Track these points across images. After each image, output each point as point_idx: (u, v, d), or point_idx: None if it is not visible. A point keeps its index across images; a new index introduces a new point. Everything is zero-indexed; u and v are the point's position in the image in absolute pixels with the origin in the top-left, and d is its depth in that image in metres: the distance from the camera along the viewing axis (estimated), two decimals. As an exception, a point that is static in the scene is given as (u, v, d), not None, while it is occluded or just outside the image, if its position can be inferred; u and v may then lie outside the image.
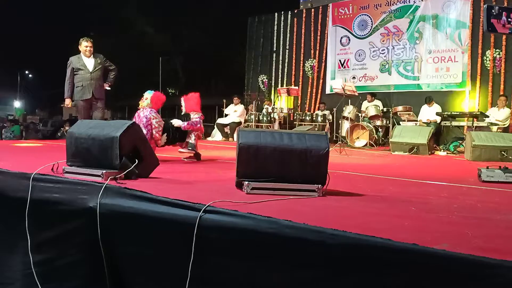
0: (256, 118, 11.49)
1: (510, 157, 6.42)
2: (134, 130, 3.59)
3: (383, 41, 12.01)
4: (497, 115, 9.14)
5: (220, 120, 12.09)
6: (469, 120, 8.48)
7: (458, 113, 8.98)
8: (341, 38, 12.75)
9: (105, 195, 2.72)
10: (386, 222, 2.31)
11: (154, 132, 4.97)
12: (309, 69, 13.23)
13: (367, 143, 9.55)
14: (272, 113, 11.68)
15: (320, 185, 2.96)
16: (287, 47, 13.74)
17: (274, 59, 14.03)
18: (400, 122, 9.82)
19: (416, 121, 9.85)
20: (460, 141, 8.23)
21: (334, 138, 10.27)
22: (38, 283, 2.86)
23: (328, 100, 12.16)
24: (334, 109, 9.69)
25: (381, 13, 12.03)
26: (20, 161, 4.63)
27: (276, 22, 14.00)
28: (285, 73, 13.76)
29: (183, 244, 2.28)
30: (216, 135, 11.95)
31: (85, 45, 6.64)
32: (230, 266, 2.22)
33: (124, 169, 3.32)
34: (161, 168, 3.90)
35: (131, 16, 30.04)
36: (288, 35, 13.74)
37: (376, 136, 9.93)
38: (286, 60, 13.75)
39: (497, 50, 10.27)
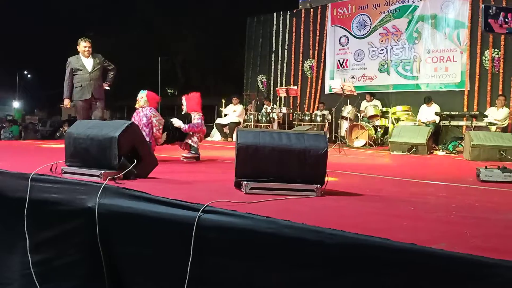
0: (255, 118, 11.49)
1: (509, 157, 6.43)
2: (133, 130, 3.59)
3: (382, 41, 12.02)
4: (496, 114, 9.15)
5: (219, 120, 12.09)
6: (468, 120, 8.48)
7: (457, 113, 8.99)
8: (340, 38, 12.75)
9: (103, 195, 2.72)
10: (384, 222, 2.32)
11: (154, 130, 4.96)
12: (308, 69, 13.23)
13: (366, 143, 9.55)
14: (271, 113, 11.68)
15: (318, 185, 2.96)
16: (286, 47, 13.74)
17: (273, 59, 14.02)
18: (399, 122, 9.83)
19: (415, 121, 9.86)
20: (459, 141, 8.24)
21: (333, 138, 10.28)
22: (36, 283, 2.86)
23: (327, 100, 12.16)
24: (333, 109, 9.70)
25: (380, 13, 12.03)
26: (18, 161, 4.62)
27: (275, 22, 14.00)
28: (284, 73, 13.76)
29: (182, 244, 2.28)
30: (215, 135, 11.95)
31: (83, 45, 6.63)
32: (229, 266, 2.22)
33: (122, 169, 3.31)
34: (160, 168, 3.90)
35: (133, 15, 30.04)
36: (287, 35, 13.74)
37: (375, 136, 9.94)
38: (285, 60, 13.75)
39: (495, 50, 10.27)
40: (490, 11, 2.34)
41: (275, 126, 11.55)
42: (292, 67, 13.55)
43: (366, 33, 12.29)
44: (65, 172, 3.37)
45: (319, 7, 13.08)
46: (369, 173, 4.67)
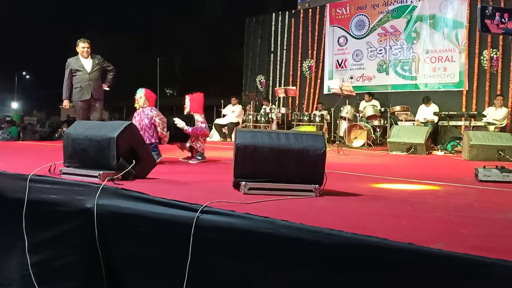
0: (254, 119, 11.49)
1: (507, 157, 6.44)
2: (131, 131, 3.59)
3: (381, 41, 12.02)
4: (495, 114, 9.16)
5: (218, 121, 12.09)
6: (466, 120, 8.49)
7: (455, 113, 9.00)
8: (339, 38, 12.76)
9: (102, 196, 2.72)
10: (382, 222, 2.32)
11: (159, 130, 4.91)
12: (307, 69, 13.24)
13: (365, 143, 9.55)
14: (270, 114, 11.68)
15: (317, 185, 2.96)
16: (285, 48, 13.74)
17: (271, 59, 14.02)
18: (398, 122, 9.83)
19: (414, 121, 9.86)
20: (458, 141, 8.25)
21: (332, 138, 10.29)
22: (35, 284, 2.86)
23: (326, 100, 12.16)
24: (332, 109, 9.70)
25: (379, 13, 12.04)
26: (17, 162, 4.62)
27: (273, 23, 13.99)
28: (283, 73, 13.76)
29: (180, 245, 2.28)
30: (214, 135, 11.95)
31: (82, 46, 6.65)
32: (227, 266, 2.22)
33: (121, 170, 3.32)
34: (158, 168, 3.91)
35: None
36: (285, 35, 13.74)
37: (373, 136, 9.94)
38: (284, 60, 13.75)
39: (494, 50, 10.29)
40: (487, 11, 2.34)
41: (274, 126, 11.55)
42: (291, 67, 13.55)
43: (364, 33, 12.29)
44: (64, 173, 3.37)
45: (318, 7, 13.08)
46: (368, 173, 4.68)
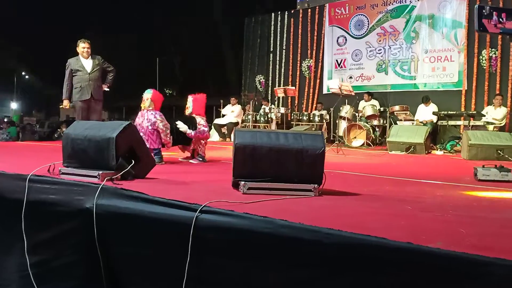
0: (254, 119, 11.50)
1: (506, 156, 6.44)
2: (131, 131, 3.59)
3: (380, 41, 12.03)
4: (494, 113, 9.17)
5: (217, 121, 12.09)
6: (465, 120, 8.49)
7: (454, 113, 9.01)
8: (338, 38, 12.77)
9: (101, 196, 2.72)
10: (381, 221, 2.32)
11: (162, 136, 4.87)
12: (306, 69, 13.24)
13: (364, 142, 9.56)
14: (269, 113, 11.69)
15: (316, 185, 2.96)
16: (284, 47, 13.75)
17: (271, 59, 14.03)
18: (397, 122, 9.84)
19: (413, 120, 9.87)
20: (457, 140, 8.26)
21: (332, 138, 10.30)
22: (34, 284, 2.86)
23: (325, 100, 12.16)
24: (331, 109, 9.70)
25: (378, 13, 12.05)
26: (16, 162, 4.62)
27: (273, 23, 14.00)
28: (282, 73, 13.77)
29: (180, 245, 2.28)
30: (213, 135, 11.95)
31: (82, 46, 6.69)
32: (226, 266, 2.22)
33: (120, 170, 3.32)
34: (158, 168, 3.91)
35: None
36: (285, 35, 13.75)
37: (373, 135, 9.95)
38: (283, 60, 13.76)
39: (493, 49, 10.30)
40: (484, 11, 2.34)
41: (273, 126, 11.56)
42: (290, 67, 13.55)
43: (363, 33, 12.30)
44: (63, 173, 3.37)
45: (317, 7, 13.09)
46: (367, 173, 4.68)
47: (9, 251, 3.07)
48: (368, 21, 12.21)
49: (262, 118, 11.56)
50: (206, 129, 5.27)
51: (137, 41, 30.65)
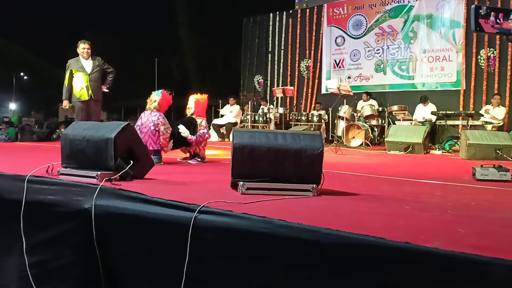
0: (252, 119, 11.50)
1: (505, 156, 6.45)
2: (129, 131, 3.59)
3: (378, 41, 12.05)
4: (495, 112, 9.16)
5: (216, 121, 12.09)
6: (464, 119, 8.51)
7: (453, 112, 9.02)
8: (336, 38, 12.78)
9: (100, 197, 2.72)
10: (379, 221, 2.32)
11: (161, 139, 4.88)
12: (305, 69, 13.25)
13: (362, 142, 9.57)
14: (268, 114, 11.69)
15: (314, 185, 2.97)
16: (283, 48, 13.76)
17: (269, 59, 14.04)
18: (396, 122, 9.85)
19: (411, 120, 9.88)
20: (455, 140, 8.27)
21: (330, 138, 10.30)
22: (33, 285, 2.85)
23: (324, 100, 12.18)
24: (330, 109, 9.72)
25: (376, 13, 12.06)
26: (15, 163, 4.62)
27: (271, 23, 14.01)
28: (281, 73, 13.78)
29: (178, 245, 2.28)
30: (212, 135, 11.95)
31: (82, 47, 6.75)
32: (225, 266, 2.22)
33: (119, 170, 3.31)
34: (156, 169, 3.91)
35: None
36: (283, 35, 13.76)
37: (371, 135, 9.96)
38: (282, 61, 13.77)
39: (491, 49, 10.32)
40: (481, 11, 2.33)
41: (272, 126, 11.56)
42: (289, 67, 13.57)
43: (362, 33, 12.32)
44: (61, 174, 3.36)
45: (315, 7, 13.11)
46: (365, 173, 4.69)
47: (8, 251, 3.06)
48: (366, 21, 12.22)
49: (260, 118, 11.57)
50: (206, 130, 5.29)
51: (136, 41, 30.62)
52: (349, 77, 12.40)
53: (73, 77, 6.69)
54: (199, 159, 5.27)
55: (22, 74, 38.54)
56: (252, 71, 14.38)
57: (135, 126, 4.88)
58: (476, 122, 8.43)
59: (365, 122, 10.18)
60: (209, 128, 11.94)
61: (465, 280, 1.71)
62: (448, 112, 9.01)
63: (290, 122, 11.48)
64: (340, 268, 1.95)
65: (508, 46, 9.82)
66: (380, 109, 10.64)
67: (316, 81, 12.98)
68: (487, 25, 2.36)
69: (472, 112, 8.97)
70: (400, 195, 3.24)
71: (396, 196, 3.19)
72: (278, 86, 13.30)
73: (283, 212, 2.31)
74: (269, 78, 14.02)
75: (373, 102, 11.19)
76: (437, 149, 8.23)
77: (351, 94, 9.13)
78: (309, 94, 13.09)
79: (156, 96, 5.03)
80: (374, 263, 1.87)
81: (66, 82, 6.74)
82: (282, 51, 13.75)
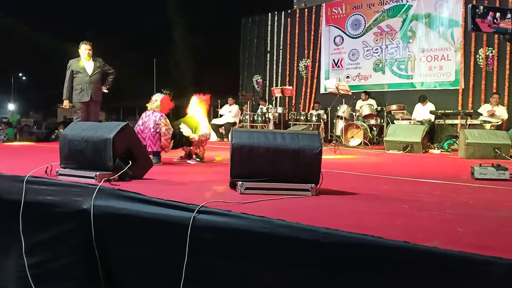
0: (251, 118, 11.50)
1: (503, 154, 6.46)
2: (128, 131, 3.59)
3: (377, 40, 12.05)
4: (500, 112, 9.14)
5: (214, 121, 12.07)
6: (462, 118, 8.51)
7: (451, 112, 9.03)
8: (335, 37, 12.78)
9: (98, 197, 2.72)
10: (378, 221, 2.33)
11: (163, 140, 4.88)
12: (303, 69, 13.25)
13: (361, 142, 9.58)
14: (267, 113, 11.69)
15: (313, 185, 2.97)
16: (281, 47, 13.76)
17: (268, 59, 14.04)
18: (394, 121, 9.86)
19: (410, 119, 9.89)
20: (454, 139, 8.27)
21: (329, 138, 10.30)
22: (32, 285, 2.85)
23: (323, 100, 12.18)
24: (329, 108, 9.70)
25: (374, 12, 12.07)
26: (13, 163, 4.61)
27: (270, 22, 14.01)
28: (279, 73, 13.78)
29: (177, 245, 2.28)
30: (211, 135, 11.93)
31: (84, 48, 6.79)
32: (224, 266, 2.22)
33: (117, 171, 3.32)
34: (155, 169, 3.91)
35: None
36: (282, 35, 13.76)
37: (370, 135, 9.96)
38: (280, 60, 13.77)
39: (489, 48, 10.33)
40: (477, 10, 2.33)
41: (271, 126, 11.56)
42: (287, 67, 13.57)
43: (360, 33, 12.32)
44: (60, 174, 3.37)
45: (314, 7, 13.11)
46: (364, 172, 4.69)
47: (7, 252, 3.06)
48: (365, 21, 12.23)
49: (259, 118, 11.57)
50: (208, 131, 5.30)
51: (135, 41, 30.65)
52: (347, 77, 12.41)
53: (73, 77, 6.72)
54: (198, 159, 5.27)
55: (20, 74, 38.52)
56: (251, 71, 14.38)
57: (135, 126, 4.89)
58: (474, 121, 8.43)
59: (364, 122, 10.18)
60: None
61: (464, 279, 1.71)
62: (446, 111, 9.02)
63: (289, 122, 11.48)
64: (339, 267, 1.95)
65: (507, 45, 9.82)
66: (379, 108, 10.63)
67: (315, 80, 12.98)
68: (484, 24, 2.36)
69: (471, 111, 8.98)
70: (399, 195, 3.24)
71: (395, 196, 3.20)
72: (276, 86, 13.29)
73: (282, 212, 2.31)
74: (267, 78, 14.02)
75: (371, 101, 11.19)
76: (436, 148, 8.24)
77: (350, 93, 9.12)
78: (308, 94, 13.09)
79: (157, 97, 5.08)
80: (373, 262, 1.87)
81: (66, 82, 6.75)
82: (281, 50, 13.76)
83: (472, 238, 1.96)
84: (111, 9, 29.48)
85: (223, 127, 11.66)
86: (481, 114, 8.80)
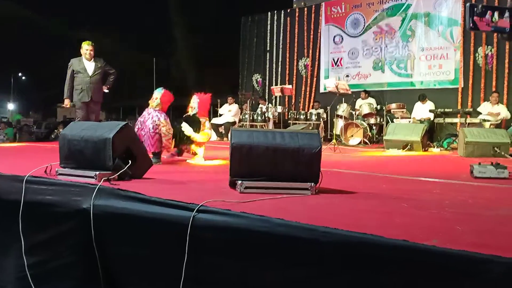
0: (251, 118, 11.50)
1: (503, 153, 6.45)
2: (127, 131, 3.59)
3: (376, 39, 12.05)
4: (498, 110, 9.14)
5: (214, 120, 12.07)
6: (462, 117, 8.51)
7: (451, 110, 9.03)
8: (334, 36, 12.78)
9: (98, 197, 2.72)
10: (377, 219, 2.33)
11: (164, 140, 4.87)
12: (303, 68, 13.25)
13: (361, 141, 9.58)
14: (267, 112, 11.69)
15: (312, 184, 2.97)
16: (281, 46, 13.76)
17: (267, 58, 14.04)
18: (394, 120, 9.86)
19: (410, 118, 9.89)
20: (453, 138, 8.27)
21: (329, 137, 10.29)
22: (32, 285, 2.85)
23: (322, 99, 12.18)
24: (328, 107, 9.70)
25: (374, 11, 12.07)
26: (13, 163, 4.62)
27: (269, 22, 14.01)
28: (279, 72, 13.78)
29: (177, 244, 2.28)
30: (211, 135, 11.93)
31: (86, 48, 6.78)
32: (223, 265, 2.22)
33: (117, 170, 3.32)
34: (154, 168, 3.91)
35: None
36: (281, 34, 13.76)
37: (370, 134, 9.96)
38: (280, 59, 13.77)
39: (488, 47, 10.34)
40: (476, 9, 2.34)
41: (271, 125, 11.56)
42: (287, 66, 13.57)
43: (360, 32, 12.32)
44: (60, 174, 3.37)
45: (313, 6, 13.11)
46: (363, 171, 4.69)
47: (7, 252, 3.06)
48: (364, 20, 12.22)
49: (259, 117, 11.56)
50: (209, 131, 5.33)
51: (135, 41, 30.67)
52: (347, 76, 12.41)
53: (74, 76, 6.72)
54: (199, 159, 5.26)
55: (20, 74, 38.50)
56: (251, 70, 14.38)
57: (136, 123, 4.89)
58: (474, 120, 8.43)
59: (364, 121, 10.18)
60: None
61: (463, 278, 1.71)
62: (446, 110, 9.02)
63: (289, 121, 11.48)
64: (338, 266, 1.95)
65: (506, 43, 9.82)
66: (379, 107, 10.63)
67: (315, 79, 12.98)
68: (482, 23, 2.36)
69: (470, 110, 8.99)
70: (398, 193, 3.24)
71: (394, 194, 3.20)
72: (276, 85, 13.27)
73: (281, 211, 2.31)
74: (267, 77, 14.02)
75: (371, 100, 11.20)
76: (435, 147, 8.23)
77: (349, 92, 9.13)
78: (308, 93, 13.09)
79: (157, 94, 5.04)
80: (373, 261, 1.87)
81: (67, 80, 6.75)
82: (281, 50, 13.76)
83: (472, 237, 1.96)
84: (111, 9, 29.48)
85: (222, 127, 11.66)
86: (481, 113, 8.80)
